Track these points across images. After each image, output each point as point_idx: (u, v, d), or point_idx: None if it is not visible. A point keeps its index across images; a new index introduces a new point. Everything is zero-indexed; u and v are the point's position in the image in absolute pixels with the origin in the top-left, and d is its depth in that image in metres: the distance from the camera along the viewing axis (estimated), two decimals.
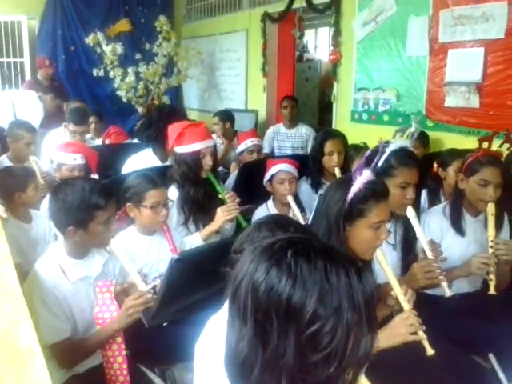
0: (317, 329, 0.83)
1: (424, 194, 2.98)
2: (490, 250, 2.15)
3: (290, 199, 2.81)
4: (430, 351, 1.64)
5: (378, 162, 1.78)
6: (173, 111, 3.62)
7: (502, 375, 1.99)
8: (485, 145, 2.33)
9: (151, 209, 2.24)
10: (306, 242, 0.92)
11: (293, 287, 0.84)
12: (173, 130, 2.75)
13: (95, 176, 3.08)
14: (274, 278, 0.86)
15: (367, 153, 1.83)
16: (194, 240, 2.55)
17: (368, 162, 1.75)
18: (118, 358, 1.80)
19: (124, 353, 1.82)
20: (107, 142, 4.71)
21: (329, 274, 0.85)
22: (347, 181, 1.75)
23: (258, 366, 0.87)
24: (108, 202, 1.86)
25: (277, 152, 5.18)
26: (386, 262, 1.74)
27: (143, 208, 2.25)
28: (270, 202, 3.00)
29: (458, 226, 2.34)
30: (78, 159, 2.99)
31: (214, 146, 2.79)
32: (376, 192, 1.72)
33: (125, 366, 1.81)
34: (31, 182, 2.68)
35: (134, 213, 2.28)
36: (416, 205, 2.21)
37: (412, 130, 2.27)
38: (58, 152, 3.03)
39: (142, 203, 2.24)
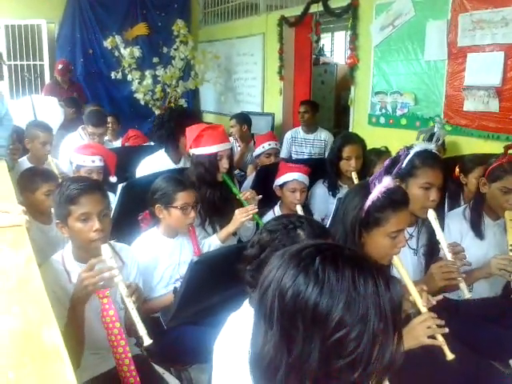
0: (342, 335, 0.83)
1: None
2: (511, 254, 2.13)
3: (299, 209, 2.82)
4: (449, 356, 1.62)
5: (401, 164, 1.76)
6: (184, 112, 3.64)
7: None
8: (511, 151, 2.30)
9: (181, 210, 2.26)
10: (334, 250, 0.92)
11: (319, 294, 0.85)
12: (190, 131, 2.77)
13: (114, 178, 3.10)
14: (301, 285, 0.86)
15: (387, 161, 1.82)
16: (213, 242, 2.56)
17: (388, 169, 1.74)
18: (125, 360, 1.80)
19: (130, 355, 1.81)
20: (127, 145, 4.75)
21: (356, 283, 0.85)
22: (366, 187, 1.74)
23: (283, 370, 0.87)
24: (82, 197, 1.81)
25: (294, 157, 5.14)
26: (402, 267, 1.72)
27: (173, 209, 2.26)
28: (276, 208, 3.01)
29: (477, 229, 2.33)
30: (96, 161, 3.01)
31: (231, 149, 2.81)
32: (394, 201, 1.70)
33: (132, 367, 1.80)
34: (43, 186, 2.62)
35: (163, 214, 2.29)
36: (440, 209, 2.18)
37: (436, 133, 2.25)
38: (77, 154, 3.05)
39: (172, 204, 2.26)
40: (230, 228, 2.57)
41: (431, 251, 2.18)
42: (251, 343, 0.96)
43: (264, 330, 0.91)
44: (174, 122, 3.26)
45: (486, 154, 2.81)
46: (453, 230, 2.32)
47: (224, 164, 2.67)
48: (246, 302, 1.37)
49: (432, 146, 2.20)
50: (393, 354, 0.87)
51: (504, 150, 2.34)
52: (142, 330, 1.73)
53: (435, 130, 2.19)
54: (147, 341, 1.73)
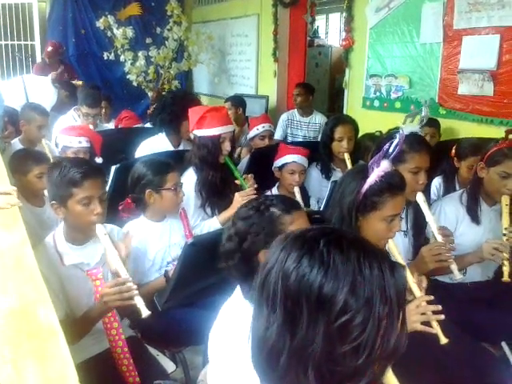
0: (347, 319, 0.81)
1: (439, 179, 2.98)
2: (504, 238, 2.15)
3: (297, 191, 2.84)
4: (443, 340, 1.64)
5: (393, 150, 1.75)
6: (186, 96, 3.61)
7: None
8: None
9: (173, 191, 2.26)
10: (338, 233, 0.91)
11: (324, 277, 0.82)
12: (194, 113, 2.76)
13: (99, 159, 3.08)
14: (306, 267, 0.84)
15: (386, 146, 1.80)
16: (212, 224, 2.59)
17: (383, 152, 1.73)
18: (118, 343, 1.83)
19: (123, 337, 1.83)
20: (120, 126, 4.72)
21: (362, 266, 0.83)
22: (363, 171, 1.74)
23: (286, 354, 0.85)
24: (85, 181, 1.82)
25: (289, 139, 5.11)
26: (397, 251, 1.74)
27: (165, 191, 2.26)
28: (274, 190, 3.01)
29: (473, 214, 2.34)
30: (83, 142, 3.00)
31: (233, 132, 2.80)
32: (392, 185, 1.70)
33: (126, 349, 1.82)
34: (35, 168, 2.60)
35: (154, 198, 2.28)
36: (426, 190, 2.20)
37: (422, 114, 2.25)
38: (63, 135, 3.04)
39: (164, 186, 2.25)
40: (231, 211, 2.57)
41: (417, 231, 2.21)
42: (252, 327, 0.92)
43: (266, 313, 0.88)
44: (177, 106, 3.23)
45: (482, 142, 2.80)
46: (449, 215, 2.33)
47: (226, 146, 2.67)
48: (238, 291, 1.36)
49: (416, 128, 2.20)
50: (397, 340, 0.85)
51: (505, 135, 2.34)
52: (139, 302, 1.71)
53: (423, 112, 2.19)
54: (145, 312, 1.71)
